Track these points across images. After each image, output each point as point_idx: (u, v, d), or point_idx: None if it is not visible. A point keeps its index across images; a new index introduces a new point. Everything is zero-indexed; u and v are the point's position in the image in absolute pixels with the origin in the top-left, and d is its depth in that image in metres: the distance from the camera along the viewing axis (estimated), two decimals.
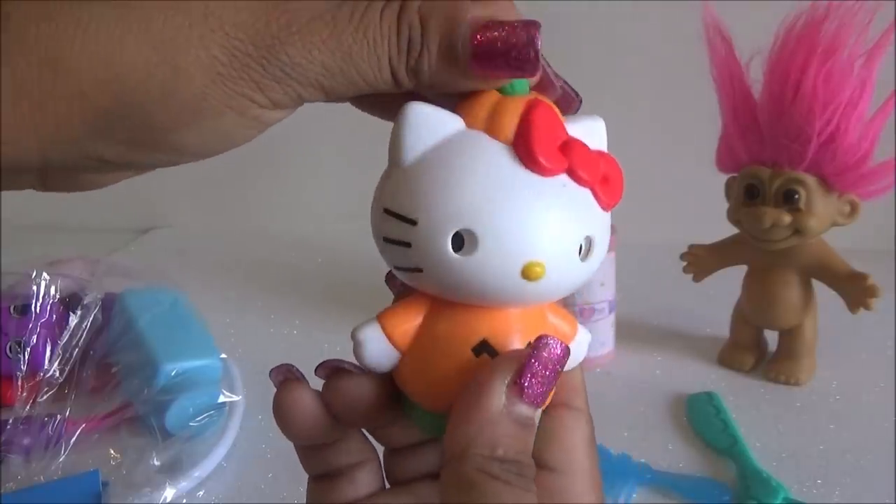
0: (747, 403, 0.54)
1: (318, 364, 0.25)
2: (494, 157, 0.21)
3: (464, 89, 0.22)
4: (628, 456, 0.48)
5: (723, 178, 0.56)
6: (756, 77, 0.53)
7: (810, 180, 0.51)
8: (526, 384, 0.21)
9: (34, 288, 0.54)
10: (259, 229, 0.93)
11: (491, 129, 0.22)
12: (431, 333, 0.23)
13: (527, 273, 0.21)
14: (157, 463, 0.48)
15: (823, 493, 0.45)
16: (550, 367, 0.21)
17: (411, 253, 0.21)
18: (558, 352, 0.21)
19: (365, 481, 0.26)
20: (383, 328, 0.23)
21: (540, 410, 0.21)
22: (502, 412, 0.20)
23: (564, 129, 0.22)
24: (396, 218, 0.21)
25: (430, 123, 0.22)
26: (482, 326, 0.22)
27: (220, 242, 0.92)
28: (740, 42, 0.53)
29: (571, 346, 0.23)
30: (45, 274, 0.55)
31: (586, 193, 0.22)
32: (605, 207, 0.22)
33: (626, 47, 0.80)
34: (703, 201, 0.58)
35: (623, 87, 0.80)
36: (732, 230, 0.57)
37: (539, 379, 0.21)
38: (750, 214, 0.53)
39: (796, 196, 0.51)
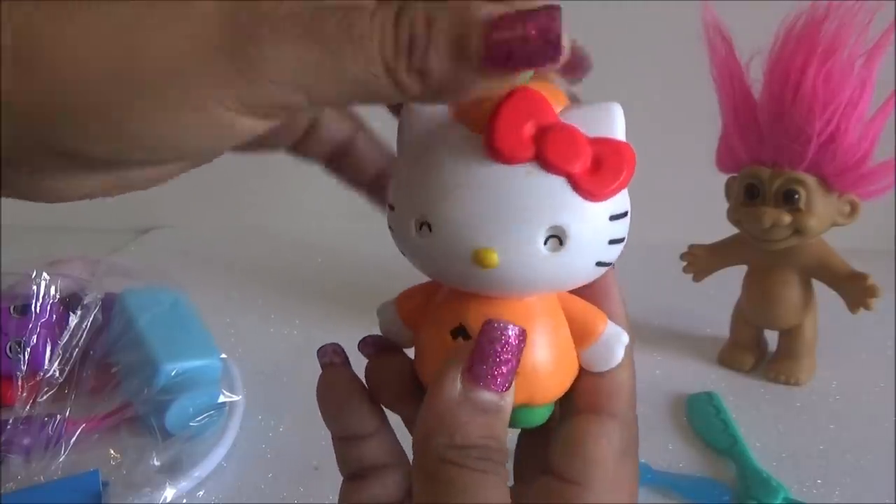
0: (747, 403, 0.54)
1: (361, 339, 0.26)
2: (460, 148, 0.21)
3: (478, 89, 0.20)
4: None
5: (723, 178, 0.56)
6: (756, 77, 0.53)
7: (810, 180, 0.51)
8: (476, 369, 0.20)
9: (34, 288, 0.54)
10: (259, 229, 0.93)
11: (470, 119, 0.22)
12: (428, 313, 0.24)
13: (477, 259, 0.21)
14: (157, 463, 0.48)
15: (823, 493, 0.45)
16: (500, 349, 0.20)
17: (394, 236, 0.24)
18: (507, 334, 0.20)
19: (394, 484, 0.26)
20: (396, 305, 0.25)
21: (508, 395, 0.21)
22: (459, 399, 0.20)
23: (551, 115, 0.21)
24: (389, 206, 0.24)
25: (420, 119, 0.23)
26: (464, 311, 0.23)
27: (221, 242, 0.92)
28: (740, 42, 0.53)
29: (596, 345, 0.23)
30: (45, 274, 0.55)
31: (558, 181, 0.21)
32: (589, 196, 0.21)
33: (626, 47, 0.80)
34: (703, 201, 0.58)
35: (623, 86, 0.80)
36: (732, 230, 0.57)
37: (490, 363, 0.20)
38: (750, 214, 0.53)
39: (796, 196, 0.51)
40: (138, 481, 0.47)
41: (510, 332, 0.21)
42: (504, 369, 0.21)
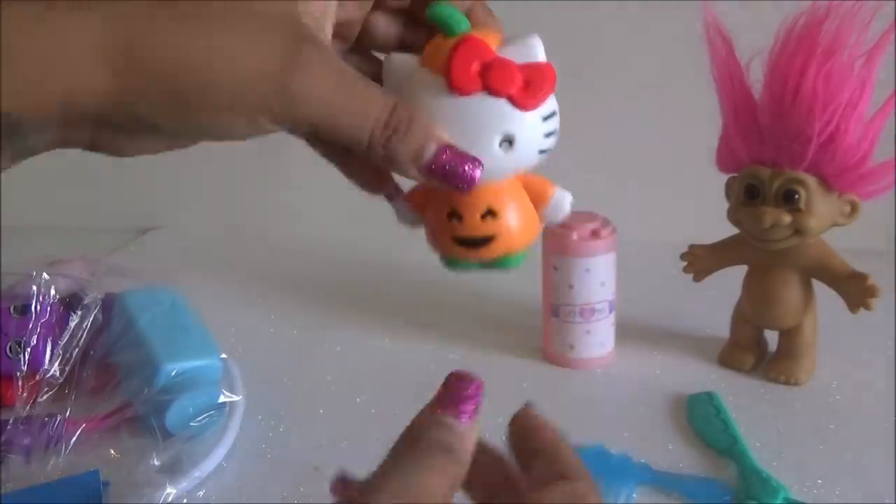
0: (747, 403, 0.54)
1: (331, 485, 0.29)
2: (428, 87, 0.29)
3: (410, 178, 0.30)
4: (628, 456, 0.48)
5: (723, 178, 0.56)
6: (756, 77, 0.53)
7: (810, 180, 0.51)
8: (442, 404, 0.28)
9: (34, 288, 0.54)
10: (259, 229, 0.93)
11: (432, 65, 0.29)
12: (429, 203, 0.32)
13: None
14: (157, 463, 0.48)
15: (823, 493, 0.45)
16: (461, 391, 0.28)
17: None
18: (468, 381, 0.28)
19: None
20: (405, 198, 0.33)
21: (468, 427, 0.27)
22: (429, 421, 0.27)
23: (490, 54, 0.29)
24: None
25: (397, 67, 0.31)
26: (454, 199, 0.31)
27: (220, 242, 0.92)
28: (741, 42, 0.53)
29: (550, 205, 0.32)
30: (45, 274, 0.55)
31: (502, 102, 0.29)
32: (526, 108, 0.29)
33: (627, 48, 0.80)
34: (704, 201, 0.58)
35: (624, 87, 0.80)
36: (733, 230, 0.57)
37: (453, 401, 0.28)
38: (750, 214, 0.53)
39: (796, 196, 0.51)
40: (138, 481, 0.47)
41: (470, 380, 0.28)
42: (467, 404, 0.28)
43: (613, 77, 0.80)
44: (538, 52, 0.30)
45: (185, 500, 0.47)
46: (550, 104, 0.30)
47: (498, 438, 0.53)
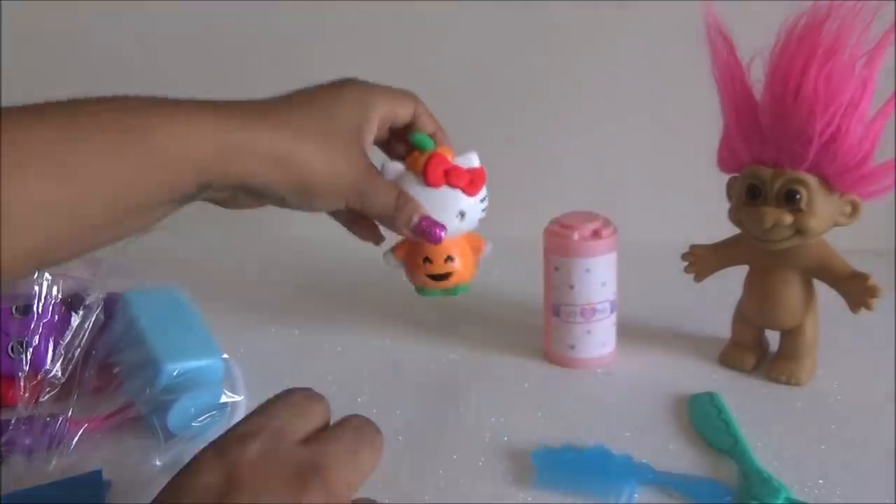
0: (749, 403, 0.55)
1: None
2: (412, 183, 0.49)
3: (401, 235, 0.51)
4: (630, 456, 0.48)
5: (724, 178, 0.56)
6: (757, 77, 0.53)
7: (812, 180, 0.51)
8: None
9: (36, 288, 0.54)
10: (260, 229, 0.93)
11: (414, 169, 0.49)
12: (410, 252, 0.53)
13: None
14: (159, 463, 0.48)
15: (825, 493, 0.45)
16: None
17: None
18: None
19: None
20: (392, 252, 0.54)
21: None
22: None
23: (449, 163, 0.49)
24: None
25: (391, 170, 0.50)
26: (427, 249, 0.51)
27: (221, 242, 0.92)
28: (742, 42, 0.53)
29: (483, 254, 0.54)
30: (46, 274, 0.55)
31: (458, 192, 0.49)
32: (472, 195, 0.50)
33: (628, 48, 0.80)
34: (705, 201, 0.58)
35: (625, 87, 0.80)
36: (734, 230, 0.57)
37: None
38: (751, 214, 0.53)
39: (798, 196, 0.51)
40: (141, 481, 0.47)
41: None
42: None
43: (614, 77, 0.80)
44: (475, 161, 0.50)
45: None
46: (484, 191, 0.50)
47: (499, 437, 0.53)
